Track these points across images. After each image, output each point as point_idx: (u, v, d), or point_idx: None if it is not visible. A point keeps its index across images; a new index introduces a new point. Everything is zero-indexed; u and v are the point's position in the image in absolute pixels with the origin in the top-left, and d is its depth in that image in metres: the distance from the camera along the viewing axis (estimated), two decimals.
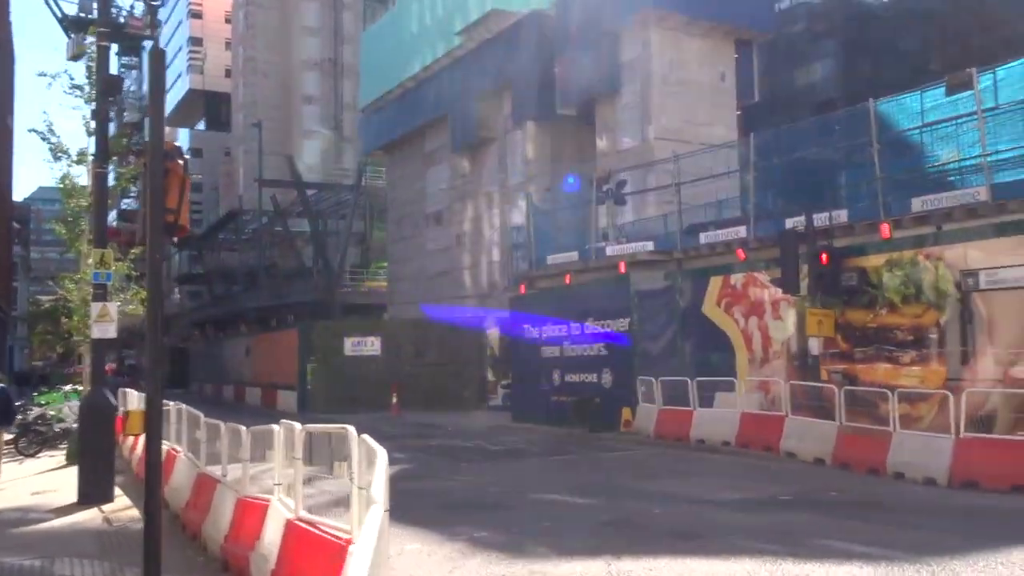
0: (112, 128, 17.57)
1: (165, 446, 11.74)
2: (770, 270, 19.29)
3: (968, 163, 16.67)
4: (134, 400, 16.74)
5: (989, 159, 16.00)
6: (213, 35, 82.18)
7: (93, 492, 13.15)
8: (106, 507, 12.70)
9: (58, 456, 18.99)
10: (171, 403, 12.88)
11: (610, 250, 23.53)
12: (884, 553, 8.25)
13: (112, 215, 59.16)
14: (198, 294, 77.29)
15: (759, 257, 19.92)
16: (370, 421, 27.94)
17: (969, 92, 16.31)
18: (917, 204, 17.09)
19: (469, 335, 33.92)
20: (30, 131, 16.12)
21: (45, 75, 15.16)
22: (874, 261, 17.25)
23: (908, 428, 14.66)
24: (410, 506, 10.63)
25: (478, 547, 9.03)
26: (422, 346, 34.09)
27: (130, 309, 19.69)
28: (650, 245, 22.55)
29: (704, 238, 21.34)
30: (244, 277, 62.03)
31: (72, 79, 15.09)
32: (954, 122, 16.70)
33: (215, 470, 10.77)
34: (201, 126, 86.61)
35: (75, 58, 16.01)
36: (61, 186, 17.26)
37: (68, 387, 28.87)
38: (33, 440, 20.04)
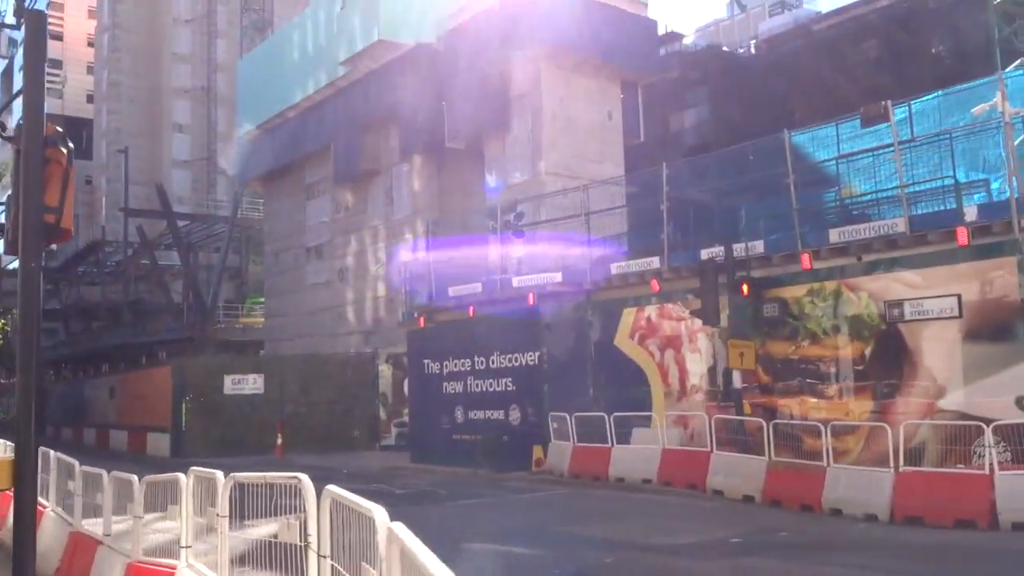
0: None
1: None
2: (687, 301, 18.77)
3: (885, 194, 16.65)
4: None
5: (907, 191, 16.01)
6: (75, 58, 77.54)
7: None
8: None
9: None
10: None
11: (516, 281, 22.58)
12: None
13: None
14: (53, 331, 71.74)
15: (674, 288, 19.39)
16: (254, 465, 25.85)
17: (885, 124, 16.34)
18: (835, 235, 16.93)
19: (359, 371, 32.19)
20: None
21: None
22: (795, 292, 16.95)
23: (836, 462, 14.21)
24: None
25: None
26: (308, 383, 32.04)
27: None
28: (558, 276, 21.72)
29: (615, 269, 20.67)
30: (106, 313, 57.87)
31: None
32: (871, 154, 16.70)
33: (93, 527, 9.08)
34: None
35: None
36: None
37: None
38: None
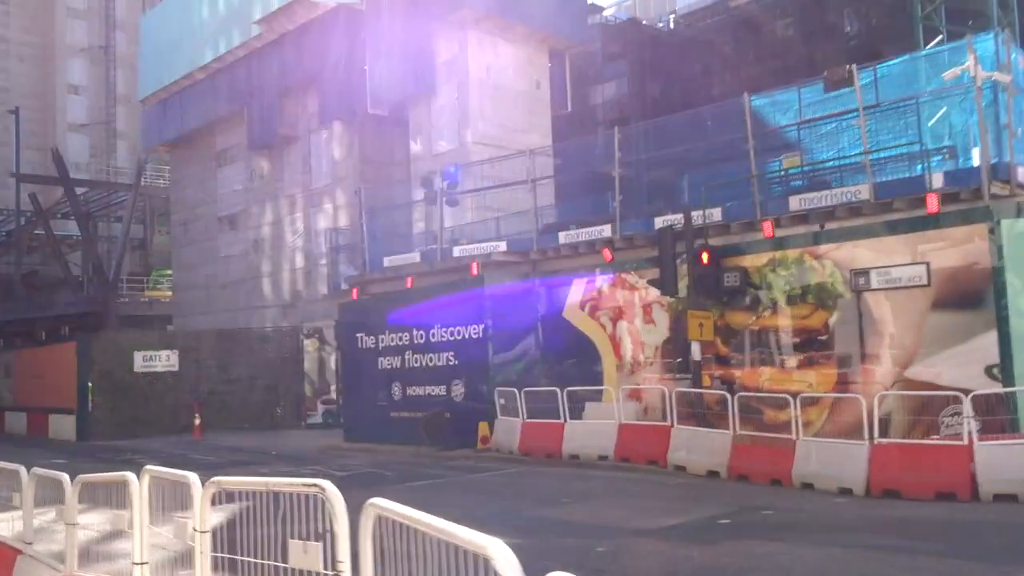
0: None
1: None
2: (640, 271, 18.09)
3: (849, 161, 16.26)
4: None
5: (871, 157, 15.63)
6: None
7: None
8: None
9: None
10: None
11: (458, 251, 21.55)
12: None
13: None
14: None
15: (626, 258, 18.70)
16: (172, 447, 24.20)
17: (849, 89, 15.91)
18: (795, 203, 16.52)
19: (281, 347, 30.63)
20: None
21: None
22: (756, 261, 16.42)
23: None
24: None
25: None
26: (227, 360, 30.27)
27: None
28: (503, 245, 20.76)
29: (564, 238, 19.84)
30: None
31: None
32: (835, 119, 16.25)
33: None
34: None
35: None
36: None
37: None
38: None
